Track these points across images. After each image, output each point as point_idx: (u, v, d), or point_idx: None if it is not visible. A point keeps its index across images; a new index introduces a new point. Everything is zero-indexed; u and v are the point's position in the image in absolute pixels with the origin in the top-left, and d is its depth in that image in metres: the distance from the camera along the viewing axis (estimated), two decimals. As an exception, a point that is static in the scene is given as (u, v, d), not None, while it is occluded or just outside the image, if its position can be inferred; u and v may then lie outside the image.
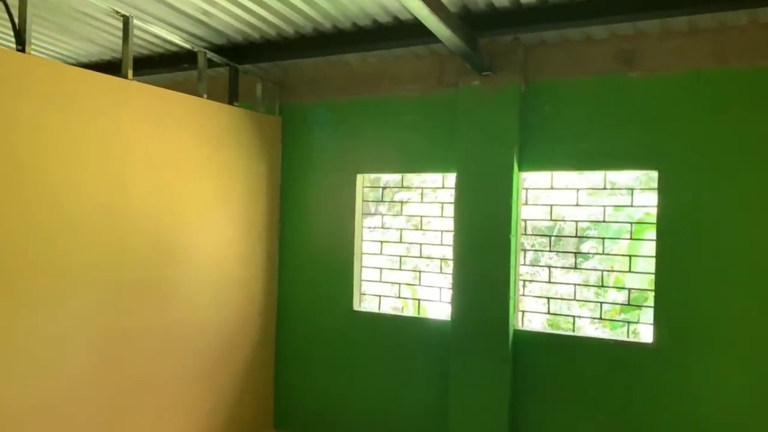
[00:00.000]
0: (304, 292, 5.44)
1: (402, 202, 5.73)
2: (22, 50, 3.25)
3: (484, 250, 4.41)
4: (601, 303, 4.71)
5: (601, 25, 3.95)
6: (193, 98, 4.45)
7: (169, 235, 4.26)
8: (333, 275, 5.27)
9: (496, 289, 4.38)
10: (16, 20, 3.28)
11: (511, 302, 4.41)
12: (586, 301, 5.34)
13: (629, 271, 4.44)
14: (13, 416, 3.23)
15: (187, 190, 4.42)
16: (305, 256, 5.44)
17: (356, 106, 5.18)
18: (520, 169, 4.47)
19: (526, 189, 4.59)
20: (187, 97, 4.38)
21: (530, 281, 5.14)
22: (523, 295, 4.69)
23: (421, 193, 5.26)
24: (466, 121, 4.51)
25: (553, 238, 5.39)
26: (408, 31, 4.25)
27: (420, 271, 5.33)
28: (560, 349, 4.40)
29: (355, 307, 5.19)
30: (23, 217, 3.25)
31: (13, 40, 3.30)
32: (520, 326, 4.60)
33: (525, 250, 4.82)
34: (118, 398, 3.89)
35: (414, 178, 5.99)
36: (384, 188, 5.58)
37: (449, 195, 5.02)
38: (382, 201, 5.49)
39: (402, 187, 5.66)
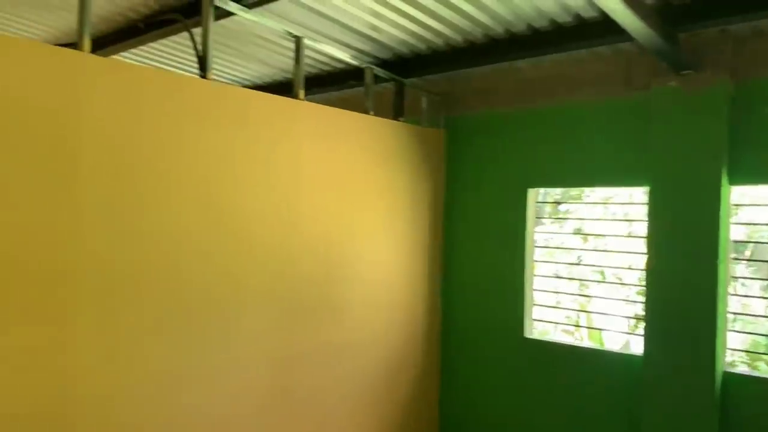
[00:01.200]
0: (469, 314, 5.12)
1: (581, 219, 5.20)
2: (204, 77, 3.33)
3: (686, 278, 3.78)
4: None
5: None
6: (361, 115, 4.38)
7: (338, 255, 4.19)
8: (501, 298, 4.89)
9: (701, 323, 3.73)
10: (199, 47, 3.39)
11: (719, 340, 3.73)
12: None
13: None
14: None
15: (354, 209, 4.34)
16: (470, 277, 5.13)
17: (528, 115, 4.77)
18: (731, 183, 3.79)
19: (737, 206, 3.89)
20: (356, 114, 4.31)
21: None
22: (733, 330, 3.97)
23: (603, 208, 4.72)
24: (662, 127, 3.93)
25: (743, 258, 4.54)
26: (592, 30, 3.79)
27: (599, 298, 4.78)
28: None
29: (527, 335, 4.77)
30: (214, 242, 3.31)
31: (194, 66, 3.41)
32: (729, 368, 3.90)
33: (735, 278, 4.09)
34: (288, 423, 3.86)
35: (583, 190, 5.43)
36: (546, 203, 5.09)
37: (617, 208, 4.44)
38: (557, 218, 5.03)
39: (569, 200, 5.14)
